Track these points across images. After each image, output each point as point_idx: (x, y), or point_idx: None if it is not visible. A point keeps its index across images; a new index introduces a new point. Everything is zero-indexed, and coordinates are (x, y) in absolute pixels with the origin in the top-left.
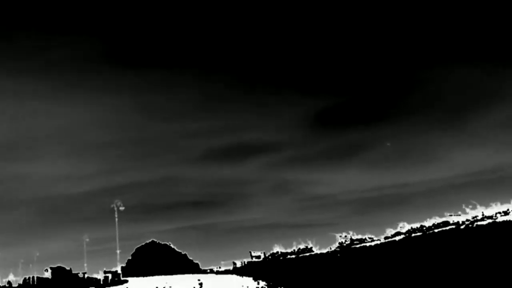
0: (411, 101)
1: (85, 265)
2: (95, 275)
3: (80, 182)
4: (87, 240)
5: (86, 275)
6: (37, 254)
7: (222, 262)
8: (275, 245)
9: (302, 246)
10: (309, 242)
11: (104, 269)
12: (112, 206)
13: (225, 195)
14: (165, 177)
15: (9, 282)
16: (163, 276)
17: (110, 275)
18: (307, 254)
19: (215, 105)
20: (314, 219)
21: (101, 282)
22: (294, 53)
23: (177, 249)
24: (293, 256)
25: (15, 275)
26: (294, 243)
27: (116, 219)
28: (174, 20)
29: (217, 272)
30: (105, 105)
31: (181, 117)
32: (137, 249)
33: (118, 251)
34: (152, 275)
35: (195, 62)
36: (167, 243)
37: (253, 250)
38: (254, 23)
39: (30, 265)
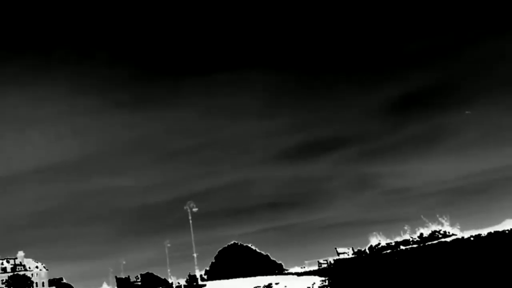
0: (488, 81)
1: (169, 270)
2: (170, 281)
3: (161, 191)
4: (169, 245)
5: (171, 281)
6: (124, 262)
7: (306, 262)
8: (371, 237)
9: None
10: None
11: (189, 272)
12: (185, 208)
13: (302, 195)
14: (242, 180)
15: None
16: (242, 279)
17: (182, 282)
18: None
19: (284, 103)
20: (398, 213)
21: None
22: (364, 37)
23: (258, 250)
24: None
25: (108, 284)
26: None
27: (190, 221)
28: (237, 22)
29: (299, 274)
30: (176, 114)
31: (249, 117)
32: (219, 251)
33: (194, 255)
34: (235, 277)
35: (262, 61)
36: (248, 245)
37: (338, 247)
38: (321, 17)
39: (121, 273)
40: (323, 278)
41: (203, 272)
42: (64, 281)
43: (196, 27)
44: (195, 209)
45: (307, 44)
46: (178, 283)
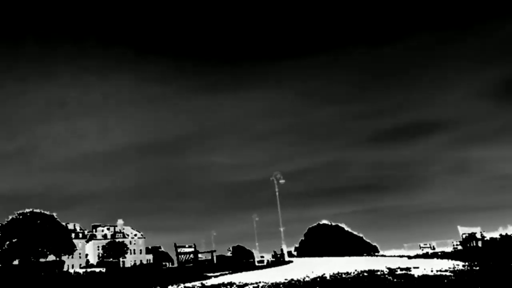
0: None
1: (257, 244)
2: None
3: (253, 170)
4: (257, 219)
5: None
6: (214, 234)
7: (405, 245)
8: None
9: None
10: None
11: (274, 250)
12: (271, 179)
13: (398, 178)
14: (334, 161)
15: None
16: (336, 258)
17: (268, 257)
18: None
19: (383, 84)
20: (503, 200)
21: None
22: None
23: (351, 230)
24: None
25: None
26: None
27: (277, 193)
28: (328, 1)
29: (416, 257)
30: (269, 95)
31: (346, 99)
32: (309, 229)
33: (281, 229)
34: (324, 256)
35: (355, 39)
36: (340, 224)
37: (462, 227)
38: None
39: (212, 244)
40: (457, 262)
41: (292, 249)
42: (162, 249)
43: (291, 10)
44: (282, 181)
45: (407, 21)
46: (262, 256)
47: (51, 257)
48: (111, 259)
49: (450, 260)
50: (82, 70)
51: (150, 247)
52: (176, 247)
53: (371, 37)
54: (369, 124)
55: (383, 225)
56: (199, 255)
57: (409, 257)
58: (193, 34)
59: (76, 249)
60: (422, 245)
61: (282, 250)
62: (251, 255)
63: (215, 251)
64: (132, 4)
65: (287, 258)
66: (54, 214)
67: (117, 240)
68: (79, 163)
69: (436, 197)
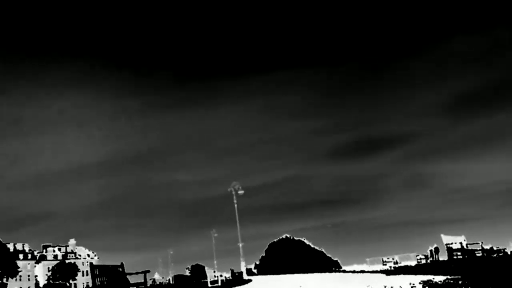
0: None
1: (215, 262)
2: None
3: (215, 186)
4: (215, 235)
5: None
6: (171, 252)
7: (367, 259)
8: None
9: None
10: None
11: (232, 268)
12: (229, 189)
13: (357, 192)
14: (296, 176)
15: (153, 280)
16: (297, 275)
17: (221, 277)
18: None
19: (340, 100)
20: (457, 213)
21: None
22: (422, 36)
23: (312, 245)
24: None
25: (159, 274)
26: None
27: (236, 205)
28: (294, 21)
29: (386, 272)
30: (234, 111)
31: (307, 114)
32: (270, 245)
33: (240, 244)
34: (286, 273)
35: (317, 58)
36: (301, 239)
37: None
38: (381, 11)
39: (172, 264)
40: (432, 277)
41: (252, 266)
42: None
43: (257, 26)
44: (241, 192)
45: (364, 40)
46: (217, 276)
47: None
48: (60, 282)
49: (416, 276)
50: (38, 85)
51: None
52: (93, 267)
53: (330, 57)
54: (329, 140)
55: (343, 239)
56: (128, 276)
57: (387, 273)
58: (156, 49)
59: (21, 271)
60: (385, 259)
61: (241, 270)
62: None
63: (148, 271)
64: (90, 17)
65: (246, 277)
66: None
67: (68, 261)
68: (34, 182)
69: (392, 211)
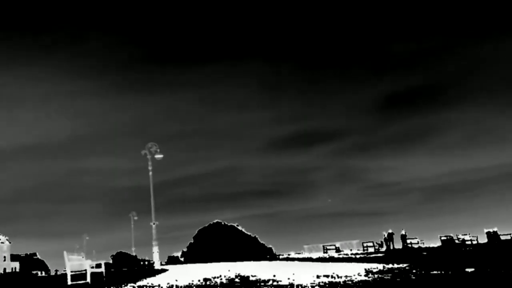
0: (476, 83)
1: (133, 249)
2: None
3: (153, 174)
4: (135, 218)
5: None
6: (87, 238)
7: (305, 246)
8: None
9: None
10: None
11: (143, 257)
12: (143, 152)
13: (288, 184)
14: (229, 167)
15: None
16: (228, 263)
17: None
18: None
19: (276, 94)
20: (380, 207)
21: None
22: (359, 36)
23: (246, 232)
24: None
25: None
26: None
27: (150, 172)
28: (232, 12)
29: (339, 260)
30: (170, 100)
31: (243, 107)
32: (199, 231)
33: (153, 224)
34: (216, 260)
35: (256, 52)
36: (234, 224)
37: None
38: (322, 12)
39: (83, 249)
40: (390, 266)
41: (179, 254)
42: (38, 256)
43: (198, 17)
44: (158, 156)
45: (304, 37)
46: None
47: None
48: None
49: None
50: None
51: (24, 254)
52: None
53: (269, 52)
54: (263, 133)
55: (276, 229)
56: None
57: (333, 260)
58: (94, 29)
59: None
60: (328, 246)
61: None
62: (136, 261)
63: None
64: None
65: (158, 266)
66: None
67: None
68: None
69: (321, 203)
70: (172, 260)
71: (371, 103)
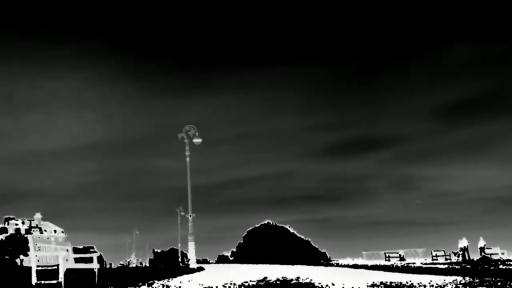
0: None
1: (179, 245)
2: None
3: (206, 175)
4: (182, 213)
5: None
6: (137, 232)
7: (364, 253)
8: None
9: None
10: None
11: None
12: (180, 136)
13: (344, 190)
14: (284, 171)
15: (128, 262)
16: (278, 266)
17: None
18: None
19: (335, 99)
20: (439, 217)
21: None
22: (419, 41)
23: (298, 234)
24: None
25: (136, 256)
26: None
27: (188, 158)
28: (292, 13)
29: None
30: (228, 102)
31: (301, 111)
32: (249, 231)
33: (190, 216)
34: (268, 262)
35: (315, 56)
36: (285, 226)
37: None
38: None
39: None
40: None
41: (229, 254)
42: (95, 249)
43: (258, 19)
44: (197, 140)
45: (361, 38)
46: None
47: None
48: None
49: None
50: (31, 64)
51: (82, 247)
52: None
53: (330, 56)
54: (317, 138)
55: (330, 234)
56: None
57: (410, 270)
58: (156, 32)
59: None
60: (390, 254)
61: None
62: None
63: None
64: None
65: (194, 265)
66: None
67: (30, 235)
68: (21, 160)
69: (377, 210)
70: (222, 259)
71: (430, 110)
